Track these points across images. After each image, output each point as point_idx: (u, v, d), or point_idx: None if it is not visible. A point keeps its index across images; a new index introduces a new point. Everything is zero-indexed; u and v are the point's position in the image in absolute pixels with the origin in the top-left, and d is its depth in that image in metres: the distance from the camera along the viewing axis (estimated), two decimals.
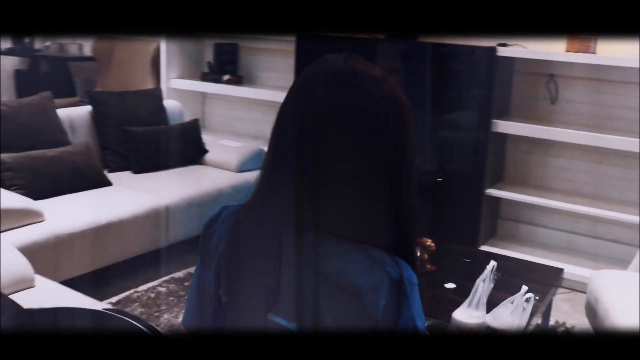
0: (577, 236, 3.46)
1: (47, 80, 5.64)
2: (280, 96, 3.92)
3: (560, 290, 3.07)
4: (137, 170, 3.55)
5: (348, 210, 1.00)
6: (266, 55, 4.55)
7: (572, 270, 3.04)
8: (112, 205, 2.99)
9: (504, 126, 3.28)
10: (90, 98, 3.65)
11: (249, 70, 4.66)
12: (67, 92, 5.37)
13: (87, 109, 3.62)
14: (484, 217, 3.37)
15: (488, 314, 1.92)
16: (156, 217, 3.12)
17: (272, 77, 4.56)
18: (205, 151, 3.85)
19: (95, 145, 3.57)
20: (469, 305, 1.92)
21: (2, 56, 6.28)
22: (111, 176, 3.42)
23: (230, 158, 3.76)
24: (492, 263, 1.95)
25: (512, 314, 1.90)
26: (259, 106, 4.60)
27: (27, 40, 5.65)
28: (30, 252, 2.55)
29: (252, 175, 3.71)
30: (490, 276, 1.93)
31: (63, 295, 2.02)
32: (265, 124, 4.54)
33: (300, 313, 1.02)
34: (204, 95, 4.97)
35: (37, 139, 3.11)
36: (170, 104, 4.06)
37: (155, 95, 3.90)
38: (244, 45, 4.61)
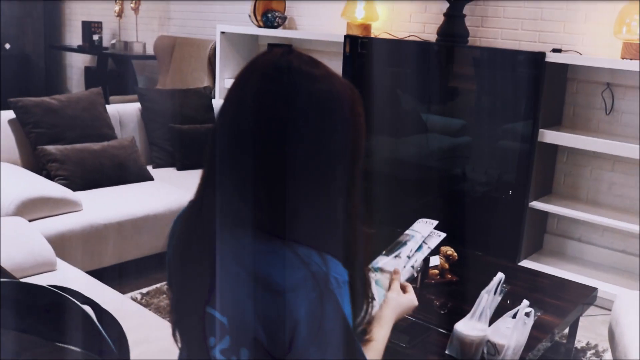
0: (629, 256, 3.26)
1: (113, 77, 5.85)
2: None
3: (602, 311, 2.92)
4: (180, 167, 3.61)
5: (276, 208, 0.98)
6: (322, 57, 4.53)
7: (618, 291, 2.87)
8: (149, 199, 3.05)
9: (553, 136, 3.13)
10: (139, 95, 3.74)
11: None
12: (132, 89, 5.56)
13: (136, 105, 3.72)
14: (527, 231, 3.23)
15: (489, 327, 1.83)
16: None
17: None
18: None
19: (143, 141, 3.67)
20: (472, 317, 1.84)
21: (74, 53, 6.57)
22: (156, 172, 3.50)
23: None
24: (500, 275, 1.86)
25: (513, 329, 1.80)
26: None
27: (96, 38, 5.86)
28: (67, 239, 2.65)
29: None
30: (497, 289, 1.84)
31: (82, 280, 2.07)
32: None
33: (229, 308, 1.01)
34: None
35: (84, 133, 3.21)
36: (219, 103, 4.11)
37: (204, 94, 3.96)
38: (298, 46, 4.62)
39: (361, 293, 1.09)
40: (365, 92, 3.79)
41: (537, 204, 3.22)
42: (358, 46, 3.82)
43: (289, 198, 0.98)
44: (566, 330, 2.36)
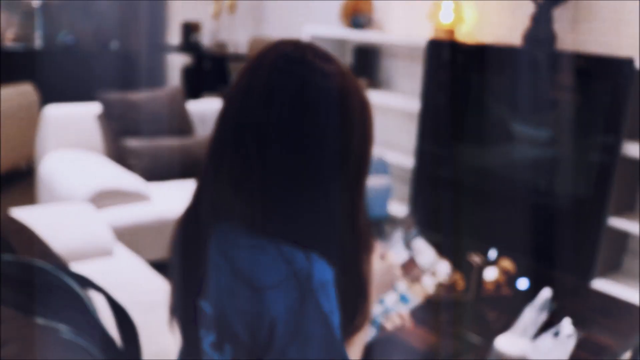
0: None
1: (209, 77, 6.05)
2: (410, 104, 3.87)
3: None
4: None
5: (267, 204, 0.97)
6: (407, 61, 4.48)
7: None
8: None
9: (638, 150, 2.92)
10: (222, 94, 3.84)
11: (389, 75, 4.62)
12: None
13: (219, 103, 3.82)
14: (603, 249, 3.03)
15: (530, 345, 1.73)
16: None
17: (409, 83, 4.48)
18: None
19: None
20: (513, 332, 1.75)
21: (172, 53, 6.85)
22: None
23: None
24: (546, 291, 1.76)
25: (552, 347, 1.69)
26: (392, 113, 4.55)
27: (194, 38, 6.08)
28: (135, 229, 2.76)
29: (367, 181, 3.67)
30: (542, 305, 1.74)
31: (135, 268, 2.15)
32: (396, 132, 4.48)
33: (214, 302, 1.01)
34: None
35: (163, 127, 3.34)
36: None
37: None
38: (385, 49, 4.58)
39: (354, 294, 1.06)
40: (447, 98, 3.71)
41: (616, 221, 3.01)
42: (441, 50, 3.73)
43: (281, 195, 0.97)
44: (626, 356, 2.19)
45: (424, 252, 1.48)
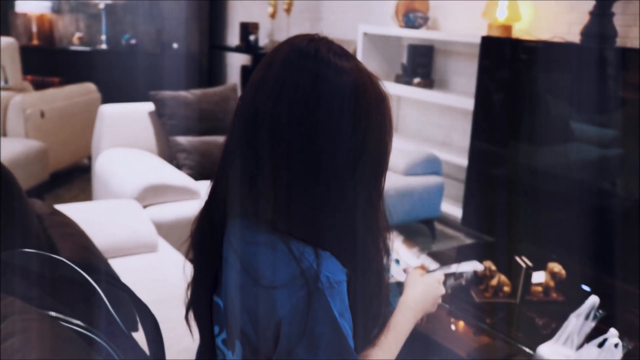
0: None
1: None
2: (467, 102, 3.78)
3: None
4: None
5: (279, 200, 0.95)
6: (462, 59, 4.39)
7: None
8: None
9: None
10: None
11: (443, 73, 4.54)
12: None
13: None
14: None
15: (574, 353, 1.66)
16: None
17: (464, 82, 4.39)
18: None
19: None
20: (557, 340, 1.67)
21: (231, 53, 6.96)
22: None
23: (398, 161, 3.71)
24: (593, 299, 1.68)
25: (598, 358, 1.61)
26: (449, 112, 4.47)
27: (252, 38, 6.15)
28: (184, 225, 2.80)
29: (418, 180, 3.62)
30: (589, 313, 1.66)
31: (178, 264, 2.18)
32: (454, 131, 4.40)
33: (226, 298, 1.02)
34: (398, 98, 4.96)
35: (214, 126, 3.39)
36: None
37: None
38: (439, 47, 4.50)
39: (370, 295, 1.03)
40: (502, 96, 3.61)
41: None
42: (496, 48, 3.64)
43: (292, 191, 0.95)
44: None
45: (432, 266, 1.45)
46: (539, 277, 2.29)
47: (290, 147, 0.93)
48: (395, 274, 1.39)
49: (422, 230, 3.86)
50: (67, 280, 1.00)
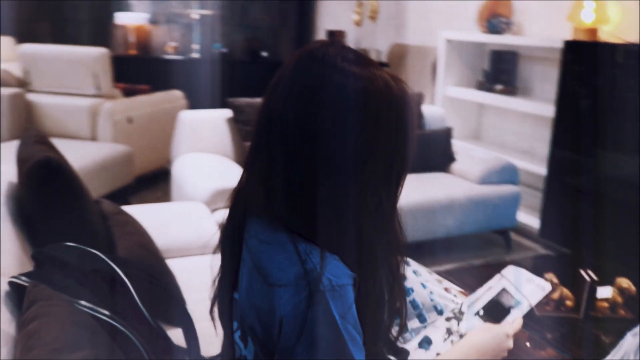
0: None
1: None
2: (550, 110, 3.65)
3: None
4: None
5: (291, 200, 0.98)
6: (548, 65, 4.25)
7: None
8: None
9: None
10: None
11: (527, 80, 4.41)
12: None
13: None
14: None
15: None
16: None
17: (549, 88, 4.25)
18: (453, 160, 3.79)
19: None
20: (612, 358, 1.59)
21: None
22: None
23: (474, 169, 3.64)
24: None
25: None
26: (531, 120, 4.34)
27: None
28: None
29: (493, 189, 3.54)
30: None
31: None
32: (536, 140, 4.26)
33: (240, 294, 1.05)
34: (480, 105, 4.87)
35: None
36: (431, 110, 4.09)
37: (415, 101, 3.96)
38: (524, 53, 4.38)
39: (377, 302, 1.04)
40: (586, 102, 3.46)
41: None
42: (581, 52, 3.50)
43: (302, 192, 0.97)
44: None
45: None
46: (605, 292, 2.19)
47: (298, 148, 0.96)
48: (436, 292, 1.38)
49: (497, 241, 3.77)
50: (100, 273, 1.08)
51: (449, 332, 1.25)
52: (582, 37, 3.66)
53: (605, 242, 3.22)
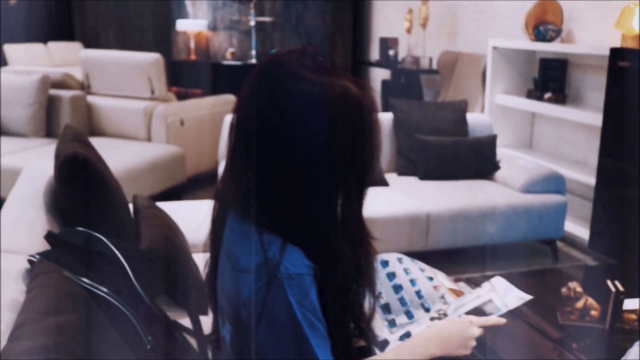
0: None
1: (403, 90, 6.18)
2: (600, 119, 3.57)
3: None
4: (422, 177, 3.68)
5: (260, 195, 1.05)
6: (600, 73, 4.15)
7: None
8: (375, 202, 3.20)
9: None
10: (390, 106, 3.93)
11: (578, 89, 4.33)
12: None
13: (389, 115, 3.91)
14: None
15: None
16: (415, 222, 3.22)
17: (599, 97, 4.15)
18: (497, 168, 3.76)
19: (392, 149, 3.85)
20: None
21: (374, 68, 7.09)
22: (398, 179, 3.65)
23: (517, 177, 3.60)
24: None
25: None
26: (584, 129, 4.25)
27: (391, 53, 6.25)
28: None
29: (537, 198, 3.49)
30: None
31: None
32: (589, 150, 4.17)
33: (218, 278, 1.13)
34: (533, 114, 4.80)
35: None
36: (476, 117, 4.07)
37: (459, 108, 3.95)
38: (574, 61, 4.30)
39: (337, 293, 1.08)
40: (632, 111, 3.38)
41: None
42: (629, 58, 3.42)
43: (268, 189, 1.04)
44: None
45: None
46: (633, 304, 2.14)
47: (260, 149, 1.02)
48: (425, 290, 1.41)
49: (544, 251, 3.71)
50: (102, 254, 1.17)
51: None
52: (631, 44, 3.57)
53: None
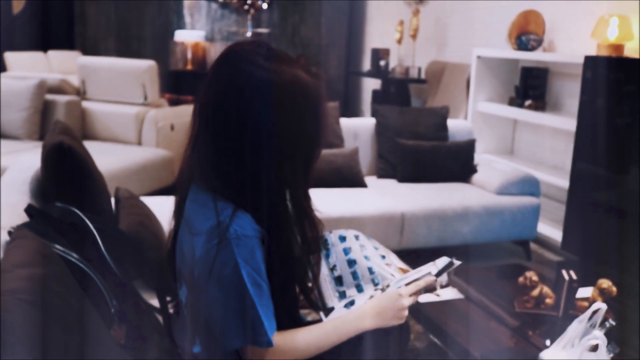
0: None
1: (393, 99, 6.33)
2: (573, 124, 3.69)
3: None
4: (400, 179, 3.82)
5: (214, 167, 1.20)
6: (576, 81, 4.29)
7: None
8: (352, 202, 3.35)
9: None
10: (373, 111, 4.07)
11: (558, 96, 4.47)
12: None
13: (372, 120, 4.06)
14: None
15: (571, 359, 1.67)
16: (390, 221, 3.35)
17: (577, 104, 4.29)
18: (475, 171, 3.90)
19: (373, 153, 3.99)
20: (557, 345, 1.70)
21: (368, 78, 7.25)
22: (377, 181, 3.79)
23: (493, 180, 3.74)
24: (598, 305, 1.69)
25: (595, 357, 1.61)
26: (563, 135, 4.39)
27: (382, 63, 6.41)
28: None
29: (511, 200, 3.63)
30: (592, 320, 1.67)
31: None
32: (566, 155, 4.31)
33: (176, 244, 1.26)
34: (514, 121, 4.94)
35: None
36: (457, 123, 4.21)
37: (440, 114, 4.09)
38: (554, 70, 4.45)
39: (282, 257, 1.22)
40: (610, 116, 3.51)
41: None
42: (602, 67, 3.57)
43: (223, 162, 1.20)
44: None
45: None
46: (585, 292, 2.27)
47: (216, 126, 1.18)
48: (376, 266, 1.52)
49: (517, 251, 3.84)
50: (76, 225, 1.31)
51: (371, 297, 1.41)
52: (606, 53, 3.72)
53: (627, 257, 3.25)
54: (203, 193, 1.21)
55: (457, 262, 1.44)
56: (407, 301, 1.34)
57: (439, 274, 1.42)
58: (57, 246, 1.21)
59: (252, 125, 1.16)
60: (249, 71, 1.16)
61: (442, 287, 1.52)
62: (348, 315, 1.32)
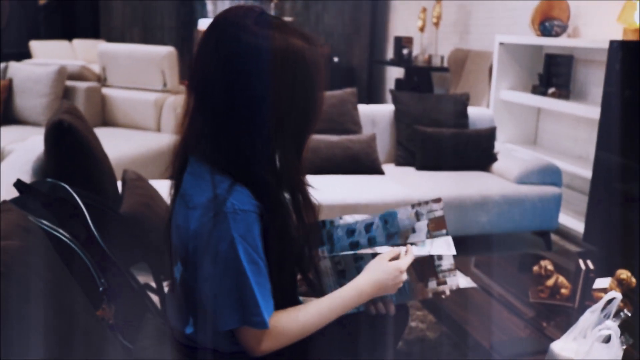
0: None
1: (416, 87, 6.24)
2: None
3: None
4: (419, 167, 3.76)
5: (211, 139, 1.16)
6: (602, 68, 4.17)
7: None
8: (368, 189, 3.30)
9: None
10: (392, 98, 4.01)
11: (583, 84, 4.35)
12: None
13: (391, 107, 4.00)
14: None
15: (582, 350, 1.60)
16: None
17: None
18: (495, 159, 3.81)
19: (392, 140, 3.93)
20: (568, 336, 1.63)
21: (389, 67, 7.17)
22: (395, 169, 3.73)
23: (513, 168, 3.65)
24: (611, 295, 1.61)
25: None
26: (587, 124, 4.27)
27: (405, 52, 6.32)
28: None
29: (532, 189, 3.54)
30: (605, 310, 1.60)
31: None
32: (590, 145, 4.20)
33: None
34: (538, 110, 4.83)
35: (328, 126, 3.62)
36: (478, 110, 4.12)
37: (460, 100, 4.01)
38: (579, 56, 4.33)
39: (278, 233, 1.18)
40: (629, 105, 3.40)
41: None
42: (629, 52, 3.45)
43: (221, 135, 1.15)
44: None
45: (445, 254, 1.40)
46: (603, 282, 2.19)
47: (210, 94, 1.13)
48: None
49: (537, 242, 3.75)
50: (64, 200, 1.28)
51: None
52: (632, 38, 3.60)
53: None
54: (200, 166, 1.17)
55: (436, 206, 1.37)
56: (404, 276, 1.31)
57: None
58: (44, 222, 1.19)
59: (239, 94, 1.12)
60: (237, 36, 1.11)
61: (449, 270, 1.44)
62: (344, 294, 1.27)
